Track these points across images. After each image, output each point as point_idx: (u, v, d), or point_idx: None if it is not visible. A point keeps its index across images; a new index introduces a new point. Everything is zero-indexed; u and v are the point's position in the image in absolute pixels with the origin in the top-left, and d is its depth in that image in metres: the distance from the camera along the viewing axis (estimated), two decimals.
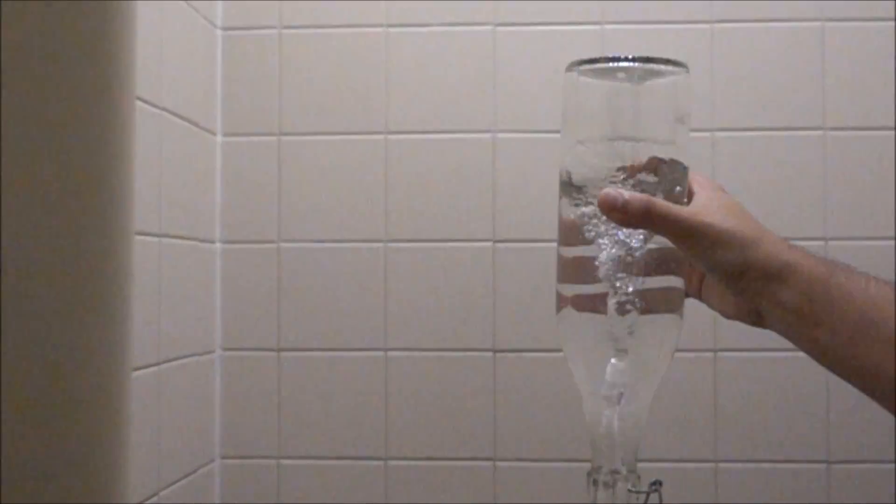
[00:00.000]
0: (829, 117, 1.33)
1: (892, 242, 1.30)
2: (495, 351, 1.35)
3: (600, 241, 0.64)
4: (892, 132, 1.32)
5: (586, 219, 0.64)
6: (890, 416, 0.65)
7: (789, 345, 0.67)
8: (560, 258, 0.68)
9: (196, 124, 1.28)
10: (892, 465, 1.29)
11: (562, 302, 0.67)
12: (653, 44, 1.32)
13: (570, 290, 0.67)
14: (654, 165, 0.65)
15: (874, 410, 0.66)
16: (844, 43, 1.33)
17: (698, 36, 1.34)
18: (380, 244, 1.36)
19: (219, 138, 1.37)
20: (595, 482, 0.65)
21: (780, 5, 1.34)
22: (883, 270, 0.67)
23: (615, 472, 0.64)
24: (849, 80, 1.33)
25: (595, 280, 0.64)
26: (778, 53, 1.34)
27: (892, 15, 1.31)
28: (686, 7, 1.34)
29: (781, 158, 1.33)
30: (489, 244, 1.35)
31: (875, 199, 1.32)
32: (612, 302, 0.64)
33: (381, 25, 1.37)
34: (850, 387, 0.66)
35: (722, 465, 1.33)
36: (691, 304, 0.72)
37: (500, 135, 1.35)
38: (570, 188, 0.66)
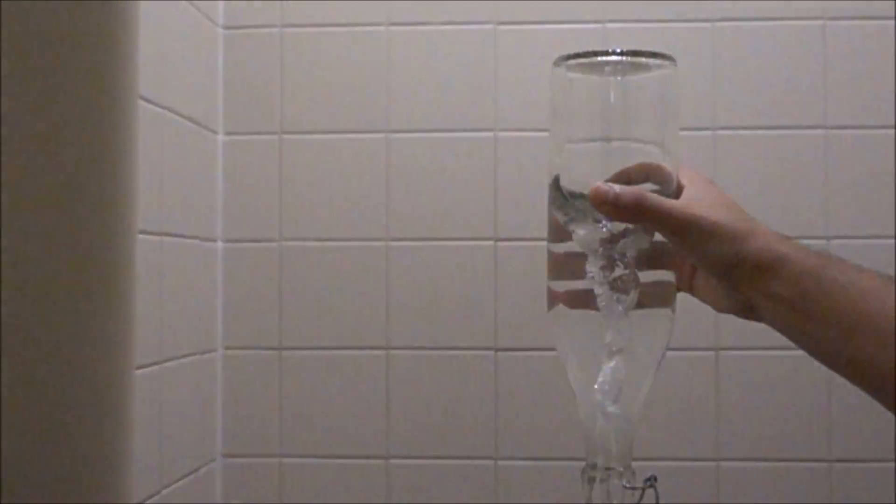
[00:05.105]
0: (830, 116, 1.33)
1: (893, 241, 1.30)
2: (497, 350, 1.35)
3: (590, 236, 0.64)
4: (893, 131, 1.31)
5: (576, 215, 0.64)
6: (891, 415, 0.65)
7: (791, 343, 0.67)
8: (550, 254, 0.68)
9: (198, 123, 1.28)
10: (894, 464, 1.29)
11: (553, 299, 0.67)
12: (654, 42, 1.31)
13: (562, 286, 0.67)
14: (644, 172, 0.65)
15: (876, 409, 0.66)
16: (846, 42, 1.33)
17: (700, 34, 1.34)
18: (381, 243, 1.36)
19: (220, 137, 1.37)
20: (590, 479, 0.65)
21: (781, 4, 1.34)
22: (884, 269, 0.67)
23: (609, 468, 0.64)
24: (850, 78, 1.33)
25: (586, 276, 0.64)
26: (779, 52, 1.34)
27: (893, 14, 1.31)
28: (687, 5, 1.34)
29: (783, 157, 1.33)
30: (491, 243, 1.35)
31: (876, 198, 1.32)
32: (603, 298, 0.64)
33: (382, 24, 1.37)
34: (851, 385, 0.66)
35: (724, 463, 1.33)
36: (693, 304, 0.72)
37: (502, 133, 1.35)
38: (560, 186, 0.66)
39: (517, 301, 1.34)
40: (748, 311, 0.67)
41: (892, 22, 1.31)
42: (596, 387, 0.64)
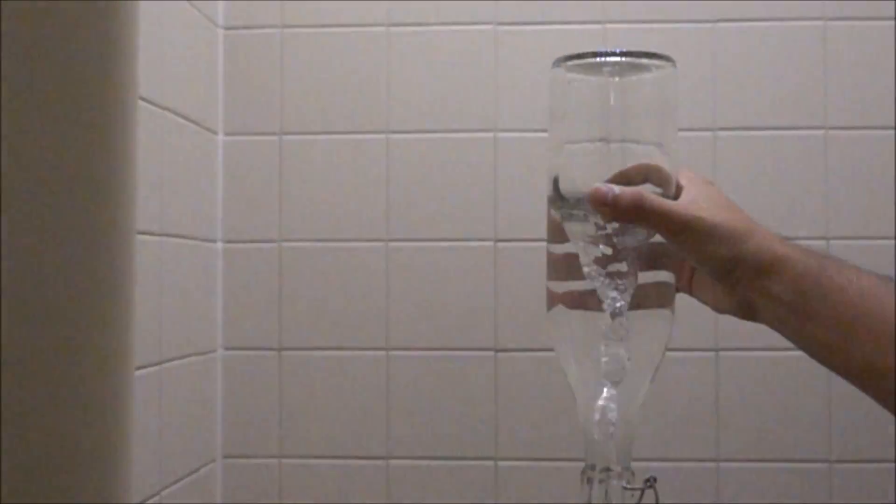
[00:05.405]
0: (830, 117, 1.33)
1: (893, 242, 1.30)
2: (497, 350, 1.35)
3: (589, 237, 0.64)
4: (893, 131, 1.32)
5: (575, 216, 0.64)
6: (891, 415, 0.65)
7: (790, 344, 0.67)
8: (549, 255, 0.68)
9: (198, 123, 1.28)
10: (894, 465, 1.29)
11: (552, 299, 0.67)
12: (654, 42, 1.32)
13: (560, 287, 0.67)
14: (643, 173, 0.65)
15: (876, 409, 0.66)
16: (846, 42, 1.33)
17: (700, 35, 1.34)
18: (381, 243, 1.36)
19: (220, 137, 1.37)
20: (589, 480, 0.65)
21: (781, 4, 1.34)
22: (884, 270, 0.67)
23: (608, 469, 0.64)
24: (850, 79, 1.33)
25: (585, 276, 0.64)
26: (779, 52, 1.34)
27: (893, 14, 1.31)
28: (688, 6, 1.34)
29: (783, 158, 1.33)
30: (491, 243, 1.35)
31: (876, 199, 1.32)
32: (602, 298, 0.64)
33: (382, 24, 1.37)
34: (851, 386, 0.66)
35: (724, 464, 1.33)
36: (693, 305, 0.72)
37: (502, 134, 1.36)
38: (559, 187, 0.66)
39: (517, 302, 1.34)
40: (747, 311, 0.67)
41: (892, 22, 1.32)
42: (601, 366, 0.64)
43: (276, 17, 1.37)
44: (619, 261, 0.64)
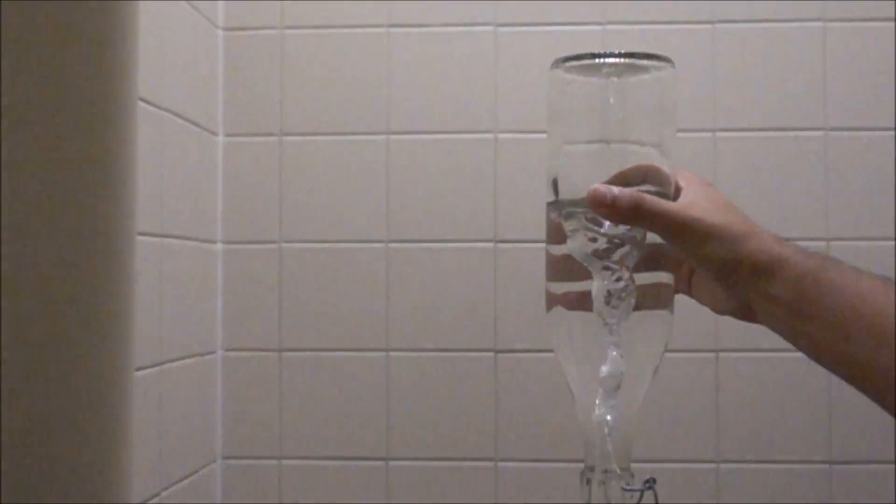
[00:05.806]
0: (830, 117, 1.33)
1: (893, 243, 1.30)
2: (497, 351, 1.35)
3: (588, 238, 0.64)
4: (893, 132, 1.31)
5: (574, 218, 0.64)
6: (891, 417, 0.65)
7: (791, 344, 0.67)
8: (549, 256, 0.68)
9: (197, 125, 1.28)
10: (894, 466, 1.29)
11: (551, 301, 0.67)
12: (654, 43, 1.32)
13: (560, 288, 0.67)
14: (642, 174, 0.65)
15: (876, 411, 0.66)
16: (846, 43, 1.33)
17: (700, 36, 1.34)
18: (381, 244, 1.36)
19: (220, 139, 1.37)
20: (588, 481, 0.65)
21: (781, 5, 1.34)
22: (884, 271, 0.67)
23: (608, 470, 0.64)
24: (850, 80, 1.33)
25: (584, 277, 0.65)
26: (779, 53, 1.34)
27: (893, 15, 1.31)
28: (688, 7, 1.34)
29: (782, 159, 1.33)
30: (491, 244, 1.35)
31: (876, 200, 1.32)
32: (602, 300, 0.64)
33: (382, 26, 1.37)
34: (851, 386, 0.66)
35: (724, 465, 1.32)
36: (692, 306, 0.72)
37: (502, 135, 1.36)
38: (558, 188, 0.66)
39: (517, 303, 1.34)
40: (746, 312, 0.67)
41: (892, 23, 1.31)
42: (600, 384, 0.64)
43: (276, 17, 1.37)
44: (618, 253, 0.64)
